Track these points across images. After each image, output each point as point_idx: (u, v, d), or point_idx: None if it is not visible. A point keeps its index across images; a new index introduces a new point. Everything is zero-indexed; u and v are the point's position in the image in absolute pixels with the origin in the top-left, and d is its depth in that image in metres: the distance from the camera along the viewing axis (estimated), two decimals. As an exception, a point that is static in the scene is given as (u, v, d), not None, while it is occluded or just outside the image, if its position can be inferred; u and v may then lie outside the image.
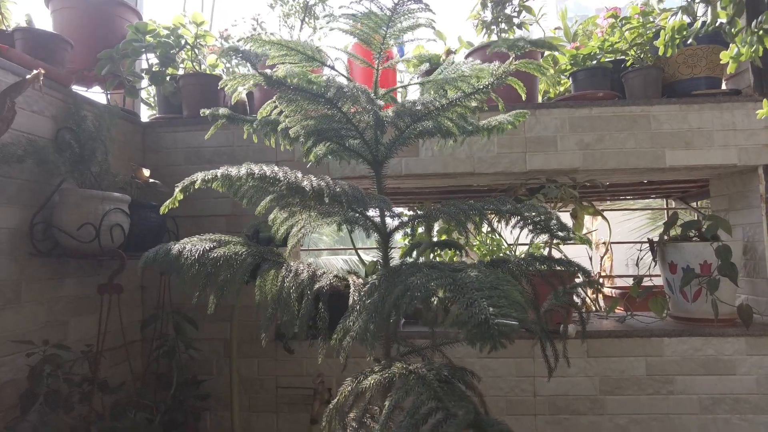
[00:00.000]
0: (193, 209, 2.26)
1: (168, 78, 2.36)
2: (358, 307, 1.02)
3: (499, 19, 2.40)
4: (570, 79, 2.48)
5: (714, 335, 2.07)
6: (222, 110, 1.41)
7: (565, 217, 1.93)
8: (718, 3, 1.53)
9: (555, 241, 2.08)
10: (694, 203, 3.31)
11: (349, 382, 1.11)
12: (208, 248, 1.15)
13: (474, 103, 1.23)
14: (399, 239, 2.65)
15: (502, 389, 2.12)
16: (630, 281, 2.45)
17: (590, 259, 2.97)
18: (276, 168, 1.06)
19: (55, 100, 1.82)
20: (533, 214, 1.08)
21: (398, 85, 2.55)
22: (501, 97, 1.41)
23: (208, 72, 2.47)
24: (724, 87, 2.34)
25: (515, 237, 2.34)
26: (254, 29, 2.79)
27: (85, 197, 1.73)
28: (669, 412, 2.07)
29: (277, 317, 1.10)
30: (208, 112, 1.42)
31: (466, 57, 2.40)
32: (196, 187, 1.08)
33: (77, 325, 1.89)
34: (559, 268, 1.23)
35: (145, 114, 2.78)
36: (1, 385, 1.55)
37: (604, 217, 2.54)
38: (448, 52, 2.52)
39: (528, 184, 2.37)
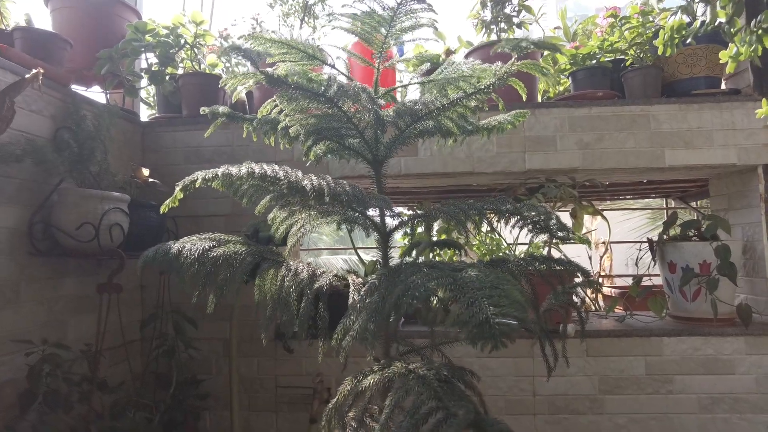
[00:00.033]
0: (193, 209, 2.26)
1: (167, 77, 2.36)
2: (357, 307, 1.02)
3: (499, 19, 2.40)
4: (569, 78, 2.48)
5: (713, 335, 2.08)
6: (222, 108, 1.41)
7: (565, 217, 1.93)
8: (718, 2, 1.53)
9: (554, 241, 2.08)
10: (694, 203, 3.31)
11: (348, 382, 1.11)
12: (207, 247, 1.15)
13: (474, 103, 1.23)
14: (399, 239, 2.65)
15: (501, 389, 2.12)
16: (629, 281, 2.45)
17: (590, 258, 2.97)
18: (276, 167, 1.06)
19: (54, 99, 1.82)
20: (533, 213, 1.07)
21: (398, 84, 2.55)
22: (501, 96, 1.41)
23: (207, 71, 2.47)
24: (723, 86, 2.34)
25: (515, 236, 2.34)
26: (254, 29, 2.79)
27: (84, 197, 1.73)
28: (668, 411, 2.07)
29: (276, 317, 1.10)
30: (207, 110, 1.42)
31: (466, 56, 2.40)
32: (197, 186, 1.08)
33: (76, 325, 1.89)
34: (558, 267, 1.23)
35: (145, 113, 2.78)
36: (0, 385, 1.55)
37: (603, 217, 2.54)
38: (448, 52, 2.52)
39: (527, 184, 2.38)
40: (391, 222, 1.24)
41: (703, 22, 1.61)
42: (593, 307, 2.68)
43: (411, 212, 3.27)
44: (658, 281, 2.47)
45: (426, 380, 0.93)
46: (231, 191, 1.18)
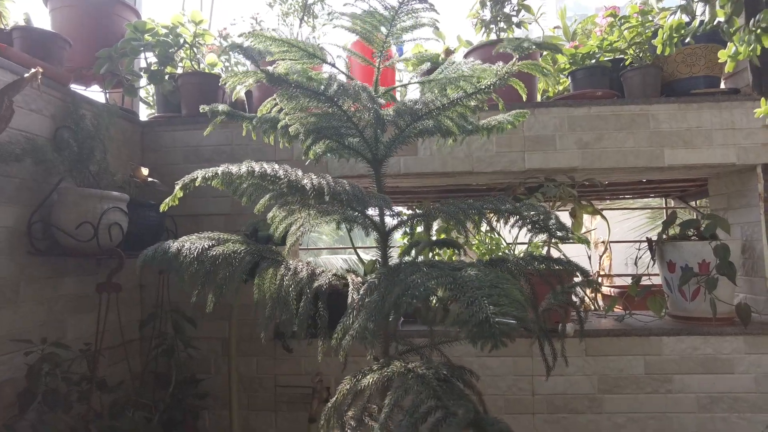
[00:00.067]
0: (192, 208, 2.25)
1: (167, 77, 2.36)
2: (357, 306, 1.02)
3: (498, 18, 2.40)
4: (569, 78, 2.48)
5: (712, 334, 2.08)
6: (221, 107, 1.41)
7: (564, 217, 1.93)
8: (717, 2, 1.53)
9: (554, 241, 2.08)
10: (693, 202, 3.32)
11: (347, 381, 1.11)
12: (206, 246, 1.15)
13: (474, 103, 1.23)
14: (398, 238, 2.65)
15: (500, 388, 2.12)
16: (629, 280, 2.45)
17: (589, 258, 2.97)
18: (276, 166, 1.06)
19: (54, 98, 1.82)
20: (532, 213, 1.07)
21: (397, 84, 2.55)
22: (500, 96, 1.41)
23: (206, 71, 2.47)
24: (722, 86, 2.34)
25: (514, 236, 2.34)
26: (253, 28, 2.79)
27: (83, 196, 1.73)
28: (667, 410, 2.08)
29: (275, 316, 1.10)
30: (207, 108, 1.42)
31: (466, 56, 2.40)
32: (197, 184, 1.07)
33: (76, 324, 1.88)
34: (557, 267, 1.23)
35: (144, 113, 2.78)
36: (-1, 384, 1.55)
37: (603, 216, 2.54)
38: (448, 52, 2.52)
39: (527, 183, 2.38)
40: (390, 221, 1.24)
41: (702, 22, 1.61)
42: (592, 307, 2.68)
43: (410, 211, 3.27)
44: (657, 281, 2.47)
45: (425, 379, 0.93)
46: (230, 190, 1.18)
